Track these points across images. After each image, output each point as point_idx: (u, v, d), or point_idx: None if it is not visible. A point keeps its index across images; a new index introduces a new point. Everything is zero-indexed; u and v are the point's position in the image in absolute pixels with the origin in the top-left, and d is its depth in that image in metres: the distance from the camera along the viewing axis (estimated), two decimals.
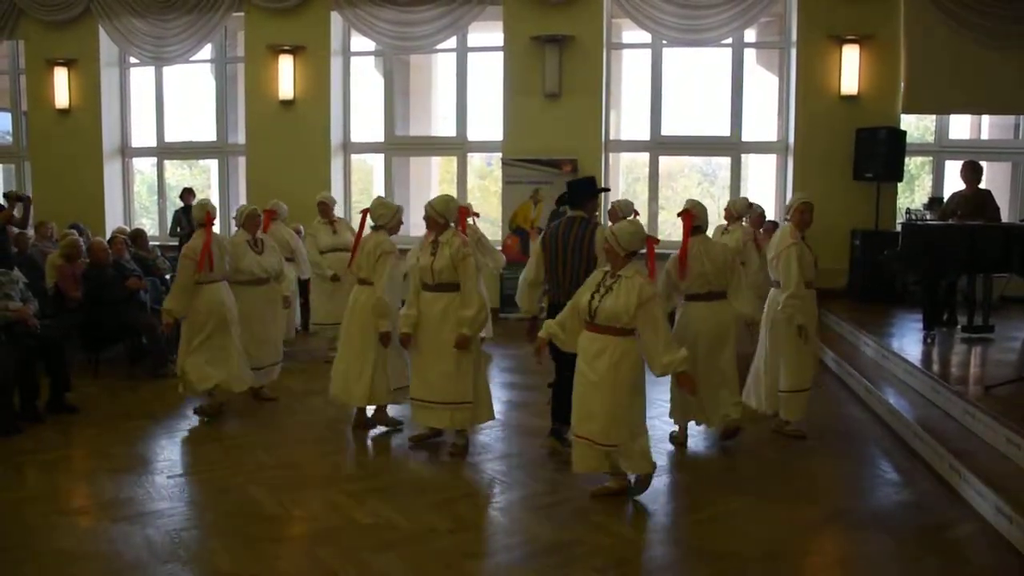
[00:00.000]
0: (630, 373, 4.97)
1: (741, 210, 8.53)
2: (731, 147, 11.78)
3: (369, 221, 6.53)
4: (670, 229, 11.60)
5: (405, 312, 6.09)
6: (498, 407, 7.29)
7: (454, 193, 12.40)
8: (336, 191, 12.26)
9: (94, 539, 4.62)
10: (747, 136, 11.78)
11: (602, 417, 4.95)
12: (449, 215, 6.02)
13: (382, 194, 12.62)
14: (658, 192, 12.04)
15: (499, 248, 10.45)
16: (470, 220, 9.01)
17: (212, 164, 13.87)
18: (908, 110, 10.97)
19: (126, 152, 13.45)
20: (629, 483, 5.20)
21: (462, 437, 6.10)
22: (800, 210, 6.26)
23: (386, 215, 6.45)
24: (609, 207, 9.24)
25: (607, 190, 7.34)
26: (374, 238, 6.36)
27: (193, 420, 6.89)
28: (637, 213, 7.83)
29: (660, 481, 5.58)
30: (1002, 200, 10.05)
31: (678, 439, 6.28)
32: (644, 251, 5.12)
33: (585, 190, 5.97)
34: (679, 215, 5.98)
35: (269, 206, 8.87)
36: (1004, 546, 4.52)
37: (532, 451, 6.11)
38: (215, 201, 13.31)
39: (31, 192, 13.32)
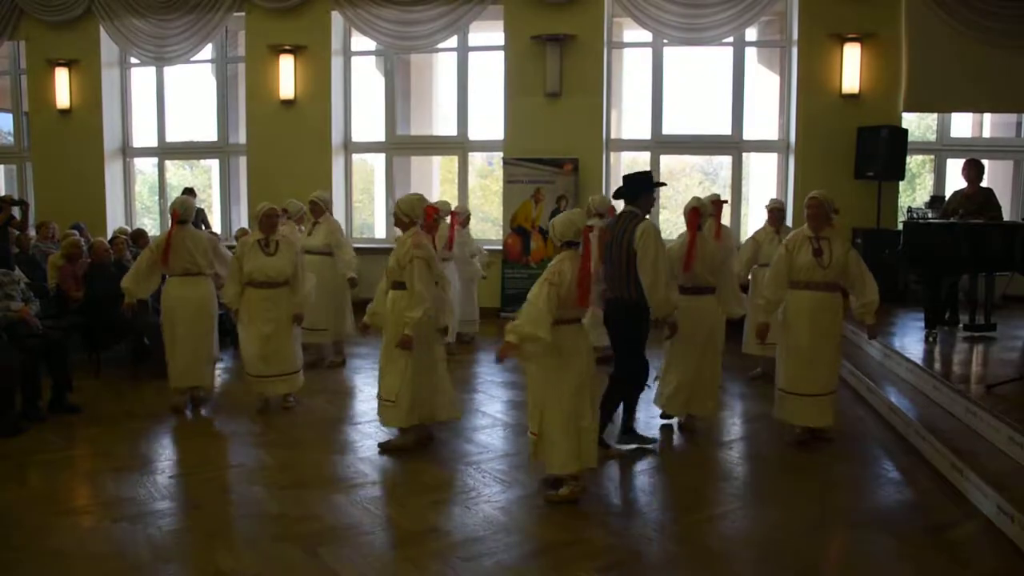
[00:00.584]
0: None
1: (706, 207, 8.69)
2: (732, 146, 11.78)
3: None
4: (671, 228, 11.59)
5: (370, 306, 6.28)
6: (497, 407, 7.35)
7: (455, 193, 12.46)
8: (337, 191, 12.28)
9: (96, 539, 4.62)
10: (748, 135, 11.78)
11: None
12: (414, 214, 6.08)
13: (383, 194, 12.69)
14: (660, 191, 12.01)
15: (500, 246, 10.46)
16: (458, 226, 9.09)
17: (213, 164, 13.88)
18: (909, 108, 10.96)
19: (127, 152, 13.46)
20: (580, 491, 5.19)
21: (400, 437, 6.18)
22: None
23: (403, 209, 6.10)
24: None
25: (663, 184, 7.32)
26: (408, 238, 6.02)
27: (195, 420, 6.89)
28: (614, 209, 7.95)
29: (660, 480, 5.58)
30: (1004, 198, 10.03)
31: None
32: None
33: (640, 184, 5.96)
34: (686, 211, 6.32)
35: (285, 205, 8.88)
36: (1006, 545, 4.51)
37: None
38: (216, 201, 13.37)
39: (32, 192, 13.42)
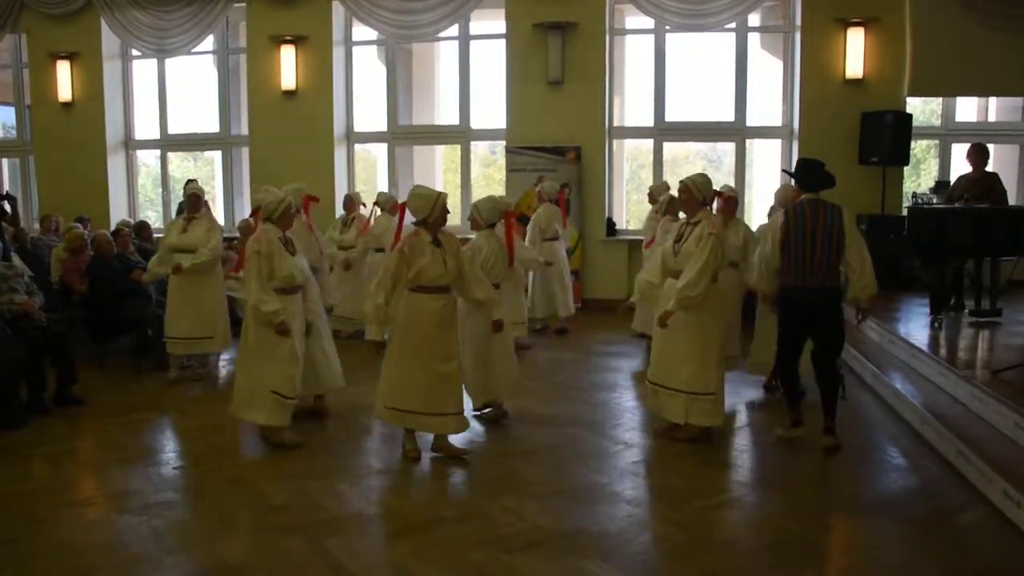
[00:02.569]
0: None
1: (662, 192, 9.00)
2: (735, 132, 11.73)
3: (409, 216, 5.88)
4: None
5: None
6: None
7: (458, 182, 12.47)
8: (340, 181, 12.28)
9: (101, 530, 4.64)
10: (751, 121, 11.73)
11: None
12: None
13: (385, 184, 12.66)
14: (663, 179, 11.97)
15: None
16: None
17: (216, 155, 13.85)
18: (914, 93, 10.90)
19: (130, 144, 13.45)
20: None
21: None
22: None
23: (424, 207, 5.62)
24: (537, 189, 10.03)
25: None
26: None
27: (198, 412, 6.89)
28: (562, 192, 9.39)
29: (664, 468, 5.58)
30: (1009, 183, 9.97)
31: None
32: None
33: (810, 172, 5.90)
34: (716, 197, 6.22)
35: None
36: (1012, 531, 4.50)
37: (537, 440, 6.11)
38: (219, 192, 13.36)
39: (35, 186, 13.43)
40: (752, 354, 7.27)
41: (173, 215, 12.77)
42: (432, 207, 5.54)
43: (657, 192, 9.30)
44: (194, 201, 7.94)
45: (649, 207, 9.80)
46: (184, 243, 7.74)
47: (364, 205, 9.89)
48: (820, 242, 5.67)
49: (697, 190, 5.81)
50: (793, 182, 6.18)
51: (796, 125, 11.23)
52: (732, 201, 7.34)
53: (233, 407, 6.06)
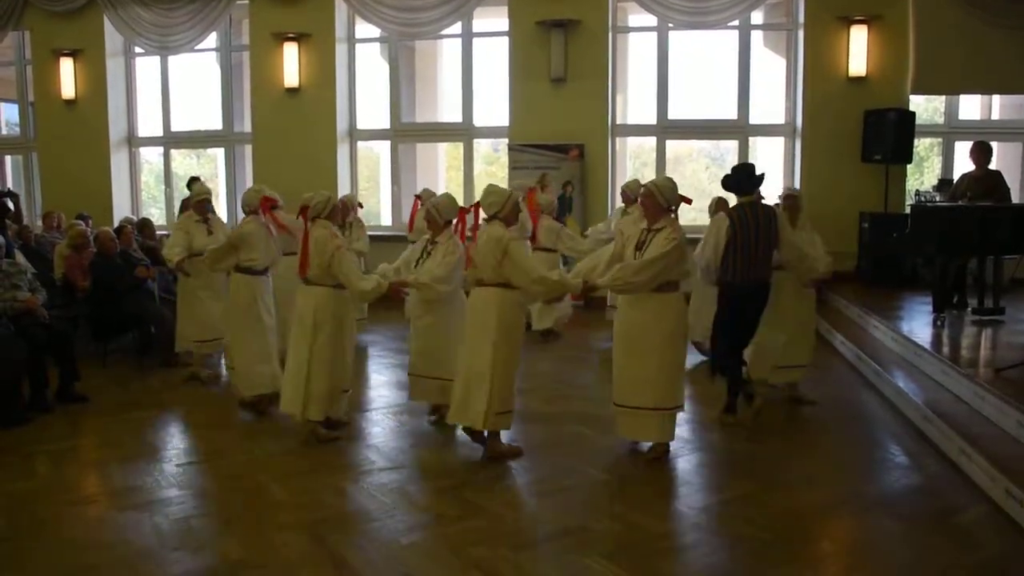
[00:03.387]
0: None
1: (636, 191, 8.62)
2: (738, 130, 11.71)
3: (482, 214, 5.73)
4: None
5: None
6: None
7: (460, 180, 12.47)
8: (343, 178, 12.28)
9: (104, 528, 4.65)
10: (755, 119, 11.70)
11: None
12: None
13: (388, 181, 12.67)
14: (667, 177, 11.95)
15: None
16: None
17: (219, 153, 13.86)
18: (917, 91, 10.89)
19: (133, 142, 13.46)
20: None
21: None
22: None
23: (498, 202, 5.63)
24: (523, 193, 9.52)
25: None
26: (490, 230, 5.63)
27: (200, 410, 6.91)
28: (542, 189, 9.38)
29: (669, 466, 5.57)
30: (1012, 181, 9.96)
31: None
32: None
33: (747, 177, 6.23)
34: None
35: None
36: (1014, 529, 4.50)
37: (540, 436, 6.11)
38: (221, 189, 13.37)
39: (39, 182, 13.44)
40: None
41: (176, 212, 12.83)
42: (504, 203, 5.61)
43: (632, 191, 8.60)
44: (206, 203, 7.96)
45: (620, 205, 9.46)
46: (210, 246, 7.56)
47: (361, 206, 9.83)
48: (762, 240, 6.08)
49: (660, 195, 5.51)
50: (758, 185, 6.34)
51: (799, 123, 11.21)
52: (795, 201, 7.10)
53: (310, 410, 5.91)
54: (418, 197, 9.57)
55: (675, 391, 5.61)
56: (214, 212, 8.21)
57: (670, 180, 5.72)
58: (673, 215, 5.58)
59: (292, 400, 5.92)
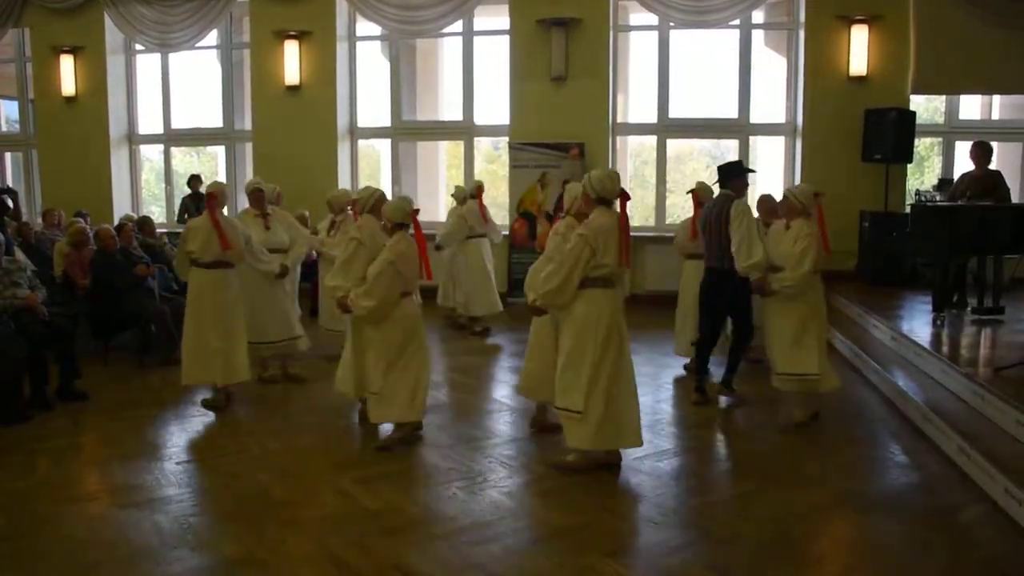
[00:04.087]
0: None
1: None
2: (739, 129, 11.71)
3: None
4: (679, 212, 11.55)
5: None
6: (503, 391, 7.35)
7: (461, 178, 12.45)
8: (343, 177, 12.28)
9: (104, 525, 4.65)
10: (755, 118, 11.71)
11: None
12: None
13: (389, 179, 12.66)
14: (666, 175, 11.99)
15: (504, 233, 10.52)
16: None
17: (219, 150, 13.86)
18: (917, 90, 10.89)
19: (133, 139, 13.46)
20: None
21: None
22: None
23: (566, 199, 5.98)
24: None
25: (752, 171, 7.43)
26: (568, 222, 5.69)
27: (200, 408, 6.92)
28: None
29: (668, 464, 5.58)
30: (1012, 181, 9.96)
31: None
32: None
33: (730, 171, 6.85)
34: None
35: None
36: (1013, 528, 4.51)
37: (538, 435, 6.12)
38: None
39: (39, 180, 13.44)
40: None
41: (176, 210, 12.85)
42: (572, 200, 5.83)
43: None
44: (259, 196, 7.72)
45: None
46: (270, 241, 7.59)
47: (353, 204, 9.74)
48: (712, 229, 6.66)
49: (591, 188, 5.23)
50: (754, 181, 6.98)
51: (800, 122, 11.21)
52: (765, 202, 7.36)
53: (397, 413, 5.89)
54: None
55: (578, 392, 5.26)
56: (273, 205, 7.93)
57: (603, 172, 5.32)
58: (611, 207, 5.24)
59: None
